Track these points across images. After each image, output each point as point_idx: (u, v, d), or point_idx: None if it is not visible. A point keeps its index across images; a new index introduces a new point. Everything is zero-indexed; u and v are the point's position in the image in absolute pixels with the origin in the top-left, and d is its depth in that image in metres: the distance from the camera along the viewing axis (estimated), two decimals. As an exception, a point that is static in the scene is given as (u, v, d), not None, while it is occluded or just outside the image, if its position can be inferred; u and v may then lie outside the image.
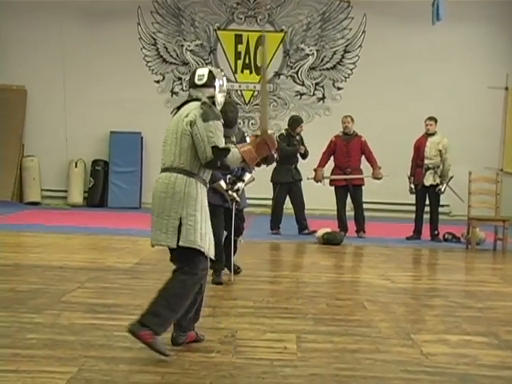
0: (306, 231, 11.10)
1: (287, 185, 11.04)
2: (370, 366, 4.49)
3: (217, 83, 4.73)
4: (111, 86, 14.96)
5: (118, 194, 14.93)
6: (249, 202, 14.06)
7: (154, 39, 15.34)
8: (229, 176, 6.98)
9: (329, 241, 10.12)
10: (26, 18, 15.01)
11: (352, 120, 11.16)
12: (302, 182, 11.15)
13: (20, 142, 15.06)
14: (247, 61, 15.34)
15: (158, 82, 15.37)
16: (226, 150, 4.51)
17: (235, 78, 15.37)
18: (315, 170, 11.21)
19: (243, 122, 15.33)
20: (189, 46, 15.34)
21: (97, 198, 15.08)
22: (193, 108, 4.63)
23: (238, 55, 15.33)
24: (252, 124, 15.39)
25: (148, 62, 15.34)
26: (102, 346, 4.64)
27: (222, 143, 4.51)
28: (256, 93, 15.34)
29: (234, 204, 7.00)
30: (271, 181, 11.12)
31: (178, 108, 4.77)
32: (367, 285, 7.35)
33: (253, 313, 5.78)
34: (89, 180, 15.10)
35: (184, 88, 15.29)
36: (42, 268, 7.49)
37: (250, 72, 15.37)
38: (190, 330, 4.77)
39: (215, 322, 5.45)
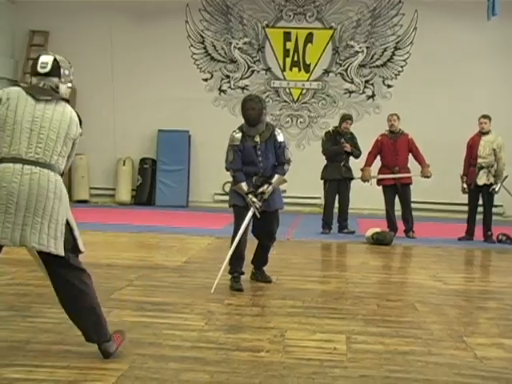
0: (345, 230, 11.04)
1: (336, 182, 10.96)
2: (422, 368, 4.39)
3: (62, 72, 4.30)
4: (159, 85, 15.06)
5: (165, 192, 15.02)
6: (297, 201, 14.24)
7: (202, 37, 15.39)
8: (255, 177, 6.65)
9: (378, 241, 10.01)
10: (76, 17, 15.24)
11: (398, 118, 11.01)
12: (352, 181, 11.06)
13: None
14: (296, 58, 15.29)
15: (205, 80, 15.43)
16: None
17: (284, 76, 15.34)
18: (362, 170, 11.09)
19: (291, 120, 15.28)
20: (237, 43, 15.36)
21: (144, 196, 15.21)
22: (74, 115, 4.32)
23: (286, 53, 15.30)
24: (300, 122, 15.33)
25: (196, 60, 15.40)
26: (151, 344, 4.64)
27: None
28: (305, 91, 15.27)
29: (254, 208, 6.55)
30: (321, 178, 11.06)
31: (38, 98, 4.20)
32: (418, 286, 7.21)
33: (302, 313, 5.72)
34: (137, 178, 15.24)
35: (232, 86, 15.31)
36: (91, 266, 7.33)
37: (299, 70, 15.31)
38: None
39: (264, 322, 5.41)
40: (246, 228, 6.62)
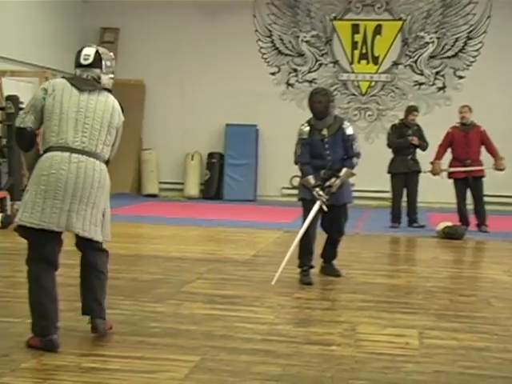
0: (415, 224, 10.88)
1: (403, 175, 10.82)
2: (499, 365, 4.30)
3: (103, 63, 4.47)
4: (227, 79, 15.14)
5: (233, 186, 15.10)
6: (365, 194, 14.12)
7: (270, 31, 15.38)
8: (323, 171, 6.59)
9: (450, 235, 9.83)
10: (145, 13, 15.43)
11: (470, 110, 10.76)
12: (421, 174, 10.91)
13: (139, 135, 15.51)
14: (364, 51, 15.13)
15: (273, 73, 15.41)
16: None
17: (352, 69, 15.21)
18: (432, 163, 10.91)
19: (359, 114, 15.15)
20: (304, 36, 15.27)
21: (213, 190, 15.33)
22: (116, 104, 4.53)
23: (354, 45, 15.15)
24: (369, 115, 15.17)
25: (264, 54, 15.41)
26: (222, 337, 4.68)
27: None
28: (373, 83, 15.12)
29: (322, 202, 6.49)
30: (388, 172, 10.95)
31: (82, 89, 4.39)
32: (492, 281, 7.06)
33: (372, 307, 5.68)
34: (205, 172, 15.37)
35: (299, 80, 15.28)
36: (161, 259, 7.65)
37: (367, 62, 15.15)
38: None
39: (335, 315, 5.40)
40: (314, 221, 6.59)
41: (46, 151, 4.30)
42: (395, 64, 15.08)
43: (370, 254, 8.41)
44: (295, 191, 15.88)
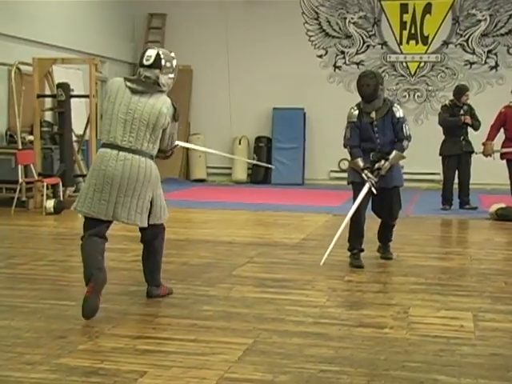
0: (467, 206, 10.77)
1: (456, 157, 10.70)
2: (558, 348, 4.24)
3: (163, 64, 4.94)
4: (274, 62, 15.13)
5: (280, 170, 15.09)
6: (415, 177, 13.99)
7: (317, 13, 15.30)
8: (373, 153, 6.55)
9: (503, 216, 9.70)
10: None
11: None
12: (473, 155, 10.76)
13: (187, 120, 15.64)
14: (413, 31, 15.00)
15: (320, 56, 15.35)
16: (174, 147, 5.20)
17: (400, 50, 15.10)
18: (484, 144, 10.74)
19: (408, 95, 15.02)
20: (352, 18, 15.17)
21: (260, 174, 15.37)
22: (168, 104, 4.93)
23: (403, 25, 15.02)
24: (418, 97, 15.04)
25: (310, 36, 15.35)
26: (274, 320, 4.71)
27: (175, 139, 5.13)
28: (422, 64, 14.93)
29: (371, 184, 6.48)
30: (439, 154, 10.81)
31: (135, 90, 4.87)
32: (548, 262, 6.98)
33: (425, 289, 5.65)
34: (252, 156, 15.40)
35: (347, 62, 15.17)
36: (212, 243, 7.72)
37: (416, 42, 15.01)
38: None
39: (386, 298, 5.39)
40: (364, 205, 6.56)
41: (101, 147, 4.90)
42: (445, 43, 14.89)
43: (421, 237, 8.36)
44: (344, 174, 15.68)
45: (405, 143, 6.62)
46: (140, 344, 4.13)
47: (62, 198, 10.16)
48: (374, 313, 4.94)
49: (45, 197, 9.84)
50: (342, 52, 15.28)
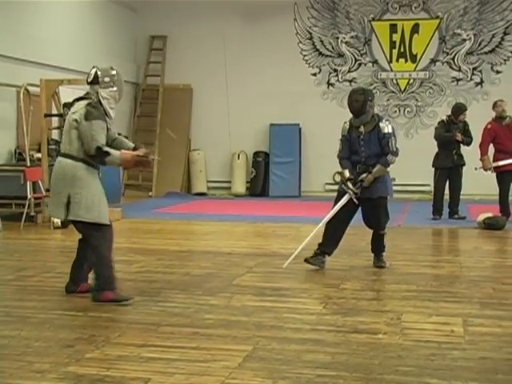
0: (456, 216, 10.98)
1: (447, 170, 10.93)
2: (544, 351, 4.33)
3: (100, 80, 5.45)
4: (270, 81, 15.40)
5: (278, 183, 15.34)
6: (406, 188, 14.19)
7: (310, 33, 15.61)
8: (359, 166, 6.84)
9: (491, 225, 9.88)
10: (191, 20, 15.83)
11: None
12: (464, 168, 10.99)
13: (187, 137, 15.92)
14: (402, 49, 15.32)
15: (314, 74, 15.64)
16: (106, 154, 5.37)
17: (390, 68, 15.42)
18: (482, 160, 10.88)
19: (398, 110, 15.30)
20: (344, 38, 15.49)
21: (258, 187, 15.61)
22: (80, 107, 5.45)
23: (392, 44, 15.34)
24: (408, 112, 15.33)
25: (305, 55, 15.65)
26: (273, 327, 4.82)
27: (102, 141, 5.37)
28: (412, 81, 15.25)
29: (350, 194, 6.77)
30: (432, 166, 11.07)
31: (72, 103, 5.64)
32: (535, 270, 7.11)
33: (417, 296, 5.79)
34: (251, 171, 15.65)
35: (340, 80, 15.46)
36: (212, 254, 7.88)
37: (406, 60, 15.33)
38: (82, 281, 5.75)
39: (380, 305, 5.53)
40: (346, 214, 6.85)
41: None
42: (433, 61, 15.22)
43: (412, 246, 8.53)
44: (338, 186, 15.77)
45: (389, 157, 6.84)
46: (144, 352, 4.21)
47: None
48: (369, 319, 5.05)
49: (52, 212, 10.01)
50: (335, 70, 15.57)
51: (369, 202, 6.89)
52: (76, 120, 5.41)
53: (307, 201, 14.42)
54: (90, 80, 5.51)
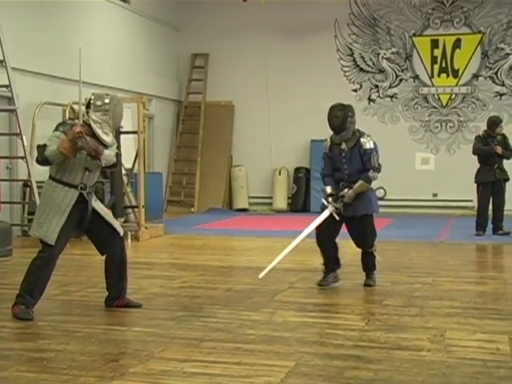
0: (500, 232, 10.86)
1: (489, 185, 10.83)
2: None
3: (92, 103, 5.61)
4: (311, 96, 15.47)
5: (319, 199, 15.17)
6: (448, 204, 14.07)
7: (351, 49, 15.68)
8: (341, 183, 6.72)
9: (536, 242, 9.76)
10: (233, 38, 16.05)
11: None
12: (507, 182, 10.89)
13: (229, 153, 16.05)
14: (444, 65, 15.29)
15: (355, 90, 15.68)
16: (42, 146, 5.64)
17: (432, 83, 15.38)
18: None
19: (440, 126, 15.23)
20: (385, 53, 15.54)
21: (300, 203, 15.64)
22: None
23: (434, 60, 15.33)
24: (450, 127, 15.29)
25: (345, 72, 15.72)
26: (315, 343, 4.82)
27: (50, 146, 5.48)
28: (454, 96, 15.18)
29: (331, 211, 6.68)
30: (475, 181, 10.99)
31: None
32: None
33: (461, 313, 5.74)
34: (292, 186, 15.69)
35: (381, 95, 15.47)
36: (254, 269, 7.84)
37: (447, 76, 15.28)
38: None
39: (423, 322, 5.47)
40: (329, 232, 6.81)
41: None
42: (475, 76, 15.14)
43: (455, 262, 8.46)
44: (380, 202, 15.74)
45: (371, 173, 6.67)
46: (187, 367, 4.22)
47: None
48: (412, 336, 4.99)
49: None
50: (376, 86, 15.61)
51: (354, 221, 6.76)
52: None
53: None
54: (85, 105, 5.77)
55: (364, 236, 6.88)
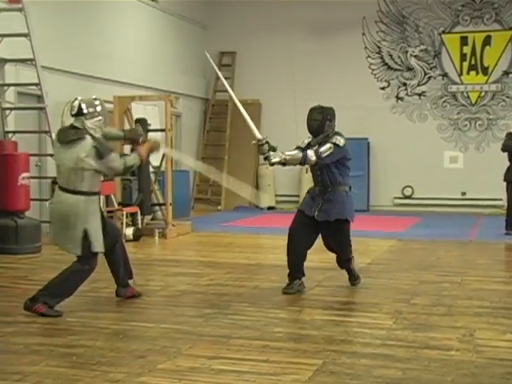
0: None
1: (519, 182, 10.73)
2: None
3: (86, 111, 5.60)
4: (338, 94, 15.35)
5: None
6: (477, 202, 13.99)
7: (379, 47, 15.62)
8: (317, 187, 6.62)
9: None
10: (260, 36, 16.09)
11: None
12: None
13: (256, 151, 15.94)
14: (473, 62, 15.16)
15: (383, 88, 15.62)
16: (131, 167, 5.89)
17: (461, 80, 15.24)
18: None
19: (469, 124, 15.10)
20: (413, 51, 15.45)
21: (327, 201, 15.56)
22: (89, 148, 5.53)
23: (463, 57, 15.21)
24: (479, 125, 15.13)
25: (373, 69, 15.66)
26: (343, 341, 4.81)
27: (119, 161, 5.70)
28: (483, 93, 15.04)
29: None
30: (504, 179, 10.88)
31: (61, 141, 5.67)
32: None
33: (490, 313, 5.70)
34: (318, 185, 15.62)
35: (409, 93, 15.39)
36: (281, 267, 7.77)
37: (477, 73, 15.15)
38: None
39: (452, 321, 5.44)
40: (302, 234, 6.58)
41: None
42: (505, 73, 14.99)
43: (484, 261, 8.39)
44: (408, 201, 15.69)
45: (310, 153, 6.37)
46: (215, 364, 4.24)
47: (140, 226, 10.55)
48: (440, 335, 4.98)
49: (124, 225, 10.22)
50: (404, 84, 15.52)
51: (328, 226, 6.50)
52: (89, 161, 5.54)
53: (376, 215, 14.35)
54: (74, 112, 5.66)
55: (340, 242, 6.66)
